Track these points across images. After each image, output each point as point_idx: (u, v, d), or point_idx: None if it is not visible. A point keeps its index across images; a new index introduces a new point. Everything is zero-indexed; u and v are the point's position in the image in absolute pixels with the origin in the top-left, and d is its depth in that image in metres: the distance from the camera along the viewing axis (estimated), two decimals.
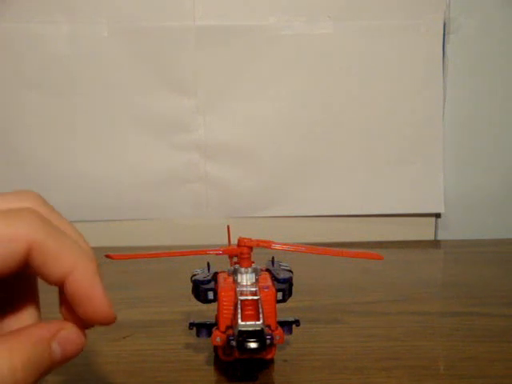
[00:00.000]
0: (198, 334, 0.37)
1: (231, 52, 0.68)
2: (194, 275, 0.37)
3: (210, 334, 0.35)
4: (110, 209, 0.71)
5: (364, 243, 0.71)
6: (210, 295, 0.35)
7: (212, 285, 0.36)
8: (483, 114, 0.71)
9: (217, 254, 0.37)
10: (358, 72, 0.69)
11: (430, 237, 0.73)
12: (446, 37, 0.68)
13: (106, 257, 0.37)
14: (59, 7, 0.66)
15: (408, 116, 0.70)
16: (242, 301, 0.33)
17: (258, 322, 0.32)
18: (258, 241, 0.36)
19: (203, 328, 0.36)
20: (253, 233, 0.38)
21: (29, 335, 0.22)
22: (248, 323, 0.32)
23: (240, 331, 0.31)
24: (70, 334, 0.23)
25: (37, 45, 0.67)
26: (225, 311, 0.34)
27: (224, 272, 0.37)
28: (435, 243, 0.73)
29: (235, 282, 0.35)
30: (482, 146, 0.72)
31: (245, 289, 0.34)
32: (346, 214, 0.72)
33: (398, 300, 0.50)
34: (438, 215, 0.73)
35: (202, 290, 0.35)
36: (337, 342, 0.41)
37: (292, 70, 0.68)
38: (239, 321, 0.32)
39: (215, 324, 0.35)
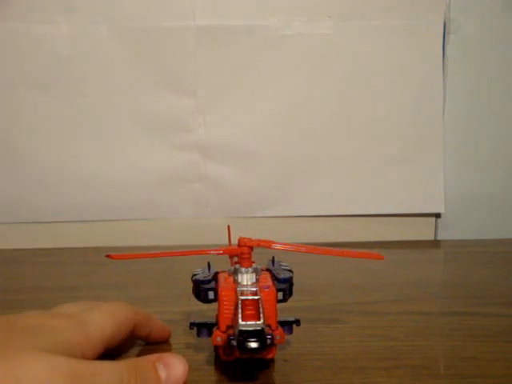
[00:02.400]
0: (198, 334, 0.37)
1: (231, 52, 0.68)
2: (195, 275, 0.37)
3: (210, 334, 0.35)
4: (110, 209, 0.70)
5: (364, 243, 0.71)
6: (211, 295, 0.35)
7: (212, 284, 0.36)
8: (483, 113, 0.71)
9: (217, 254, 0.37)
10: (357, 72, 0.69)
11: (430, 237, 0.74)
12: (446, 37, 0.68)
13: (106, 257, 0.37)
14: (59, 7, 0.66)
15: (408, 116, 0.70)
16: (242, 300, 0.33)
17: (258, 322, 0.32)
18: (258, 241, 0.36)
19: (204, 328, 0.36)
20: (253, 233, 0.38)
21: (136, 358, 0.30)
22: (248, 323, 0.32)
23: (240, 331, 0.31)
24: (172, 356, 0.30)
25: (37, 45, 0.67)
26: (225, 311, 0.34)
27: (224, 272, 0.37)
28: (435, 243, 0.73)
29: (236, 281, 0.35)
30: (481, 146, 0.72)
31: (245, 288, 0.34)
32: (346, 213, 0.72)
33: (398, 300, 0.50)
34: (438, 215, 0.73)
35: (203, 289, 0.35)
36: (337, 341, 0.41)
37: (292, 70, 0.68)
38: (240, 320, 0.32)
39: (216, 324, 0.35)
